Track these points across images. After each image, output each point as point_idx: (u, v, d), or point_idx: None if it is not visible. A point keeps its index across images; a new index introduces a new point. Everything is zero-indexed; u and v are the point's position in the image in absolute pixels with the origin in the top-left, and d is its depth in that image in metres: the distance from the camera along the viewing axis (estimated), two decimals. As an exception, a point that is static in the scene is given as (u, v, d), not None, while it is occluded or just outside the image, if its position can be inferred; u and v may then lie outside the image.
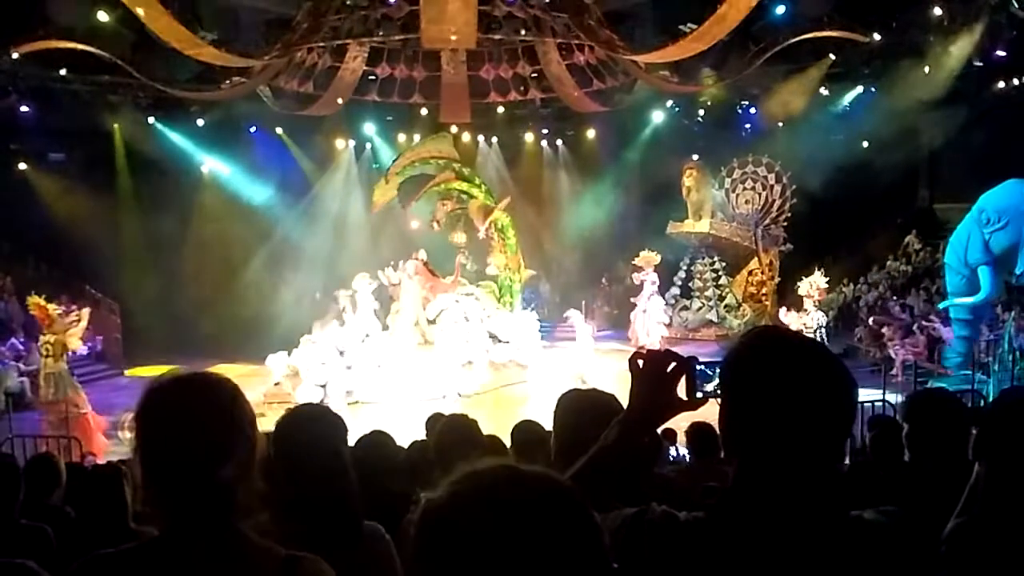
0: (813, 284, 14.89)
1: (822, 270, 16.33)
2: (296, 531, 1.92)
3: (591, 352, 15.88)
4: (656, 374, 1.61)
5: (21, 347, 16.25)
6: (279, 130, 21.51)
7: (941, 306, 13.69)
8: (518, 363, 16.04)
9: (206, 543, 1.54)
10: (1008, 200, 12.34)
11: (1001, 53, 16.35)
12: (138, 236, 19.56)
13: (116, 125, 19.36)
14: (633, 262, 20.50)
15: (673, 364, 1.60)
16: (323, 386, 14.42)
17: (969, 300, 12.86)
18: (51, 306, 12.36)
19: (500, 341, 16.18)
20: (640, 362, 1.64)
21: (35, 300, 12.28)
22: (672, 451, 7.27)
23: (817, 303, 15.05)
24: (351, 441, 2.74)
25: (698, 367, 1.60)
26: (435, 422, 4.46)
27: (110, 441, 11.67)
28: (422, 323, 16.47)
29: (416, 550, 1.02)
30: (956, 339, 13.81)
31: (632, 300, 20.13)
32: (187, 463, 1.52)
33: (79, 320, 12.67)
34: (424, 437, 4.54)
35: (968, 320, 13.33)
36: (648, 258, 20.07)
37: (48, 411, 11.94)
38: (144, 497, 1.59)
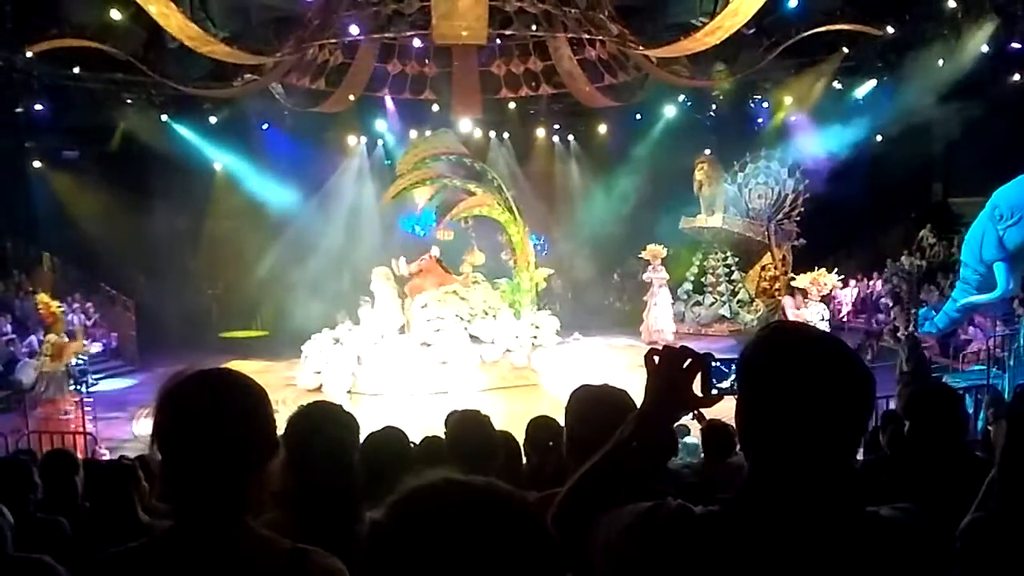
0: (816, 280, 14.98)
1: (836, 270, 16.31)
2: (299, 527, 1.93)
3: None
4: (671, 370, 1.60)
5: (37, 344, 16.36)
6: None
7: (959, 302, 13.58)
8: (513, 364, 15.86)
9: (214, 538, 1.54)
10: (1021, 195, 12.23)
11: (1016, 45, 16.21)
12: (152, 233, 19.66)
13: (123, 123, 19.38)
14: (640, 255, 20.51)
15: (689, 361, 1.60)
16: (319, 373, 14.93)
17: (984, 297, 12.75)
18: (54, 304, 12.53)
19: (482, 342, 15.98)
20: (656, 358, 1.64)
21: (42, 299, 12.54)
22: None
23: (817, 298, 15.12)
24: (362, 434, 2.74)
25: (713, 364, 1.59)
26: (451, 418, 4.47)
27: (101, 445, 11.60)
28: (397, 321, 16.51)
29: (364, 571, 1.01)
30: (943, 314, 13.77)
31: (644, 299, 20.21)
32: (206, 460, 1.53)
33: (76, 343, 12.76)
34: (429, 433, 4.55)
35: (957, 316, 13.38)
36: (655, 251, 20.07)
37: (40, 408, 11.98)
38: (160, 488, 1.60)
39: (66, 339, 12.40)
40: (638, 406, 1.67)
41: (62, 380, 12.15)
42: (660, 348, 1.68)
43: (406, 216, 17.89)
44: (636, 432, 1.60)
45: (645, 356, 1.66)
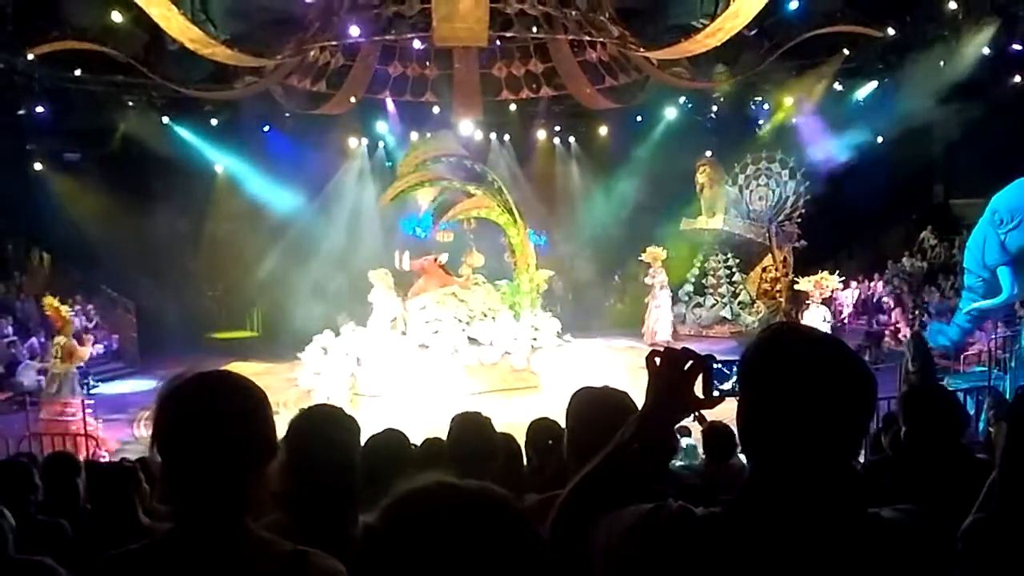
0: (815, 282, 14.97)
1: (837, 272, 16.29)
2: (300, 529, 1.93)
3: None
4: (673, 372, 1.60)
5: (38, 346, 16.38)
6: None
7: (964, 310, 13.57)
8: (513, 366, 15.77)
9: (214, 540, 1.54)
10: (1020, 199, 12.22)
11: (1017, 47, 16.21)
12: (153, 235, 19.67)
13: (124, 125, 19.37)
14: (640, 258, 20.51)
15: (690, 362, 1.60)
16: (318, 374, 14.94)
17: (991, 302, 12.72)
18: (63, 308, 12.64)
19: (480, 344, 15.92)
20: (657, 360, 1.64)
21: (50, 301, 12.59)
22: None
23: (819, 301, 15.09)
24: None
25: (715, 366, 1.59)
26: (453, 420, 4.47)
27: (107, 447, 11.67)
28: (399, 321, 16.51)
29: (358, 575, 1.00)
30: (954, 326, 13.71)
31: (645, 301, 20.22)
32: (204, 462, 1.53)
33: (85, 344, 12.95)
34: (426, 435, 4.56)
35: (974, 319, 13.28)
36: (655, 253, 20.08)
37: (44, 408, 12.14)
38: (161, 490, 1.60)
39: (74, 341, 12.50)
40: (639, 408, 1.67)
41: (72, 381, 12.29)
42: (661, 349, 1.68)
43: (407, 218, 17.90)
44: (637, 434, 1.60)
45: (647, 358, 1.66)
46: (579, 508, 1.58)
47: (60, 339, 12.36)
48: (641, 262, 20.69)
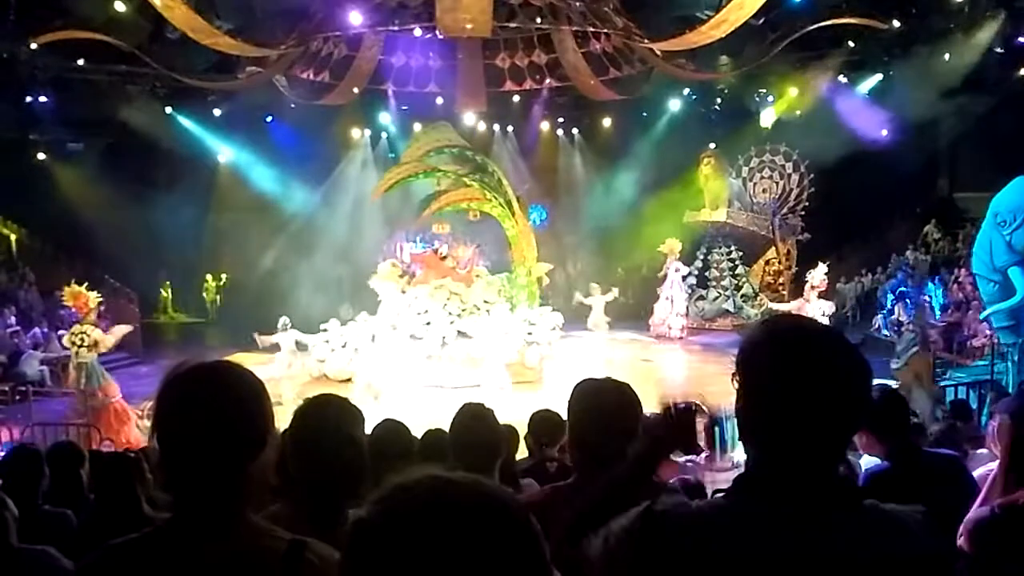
0: (815, 276, 14.97)
1: (828, 264, 16.22)
2: (303, 519, 1.93)
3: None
4: (679, 430, 1.74)
5: (41, 336, 16.41)
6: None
7: (982, 316, 13.50)
8: (507, 360, 15.62)
9: (213, 530, 1.55)
10: (1019, 198, 12.18)
11: (1023, 40, 16.15)
12: (155, 225, 19.68)
13: (127, 115, 19.33)
14: (659, 249, 20.41)
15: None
16: (322, 361, 15.14)
17: (1007, 304, 12.67)
18: (92, 295, 12.33)
19: (470, 337, 15.79)
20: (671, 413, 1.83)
21: (73, 289, 12.29)
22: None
23: (820, 294, 15.03)
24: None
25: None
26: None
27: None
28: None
29: (346, 570, 0.98)
30: (1006, 348, 13.56)
31: (658, 290, 20.18)
32: (200, 450, 1.53)
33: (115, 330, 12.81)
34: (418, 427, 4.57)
35: (1010, 326, 13.08)
36: (672, 245, 20.03)
37: (77, 398, 12.02)
38: (161, 480, 1.60)
39: (99, 329, 12.37)
40: (639, 398, 1.68)
41: (99, 368, 12.13)
42: (680, 405, 1.85)
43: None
44: (636, 472, 1.68)
45: (663, 408, 1.83)
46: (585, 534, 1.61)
47: (85, 327, 11.99)
48: (659, 252, 20.61)
